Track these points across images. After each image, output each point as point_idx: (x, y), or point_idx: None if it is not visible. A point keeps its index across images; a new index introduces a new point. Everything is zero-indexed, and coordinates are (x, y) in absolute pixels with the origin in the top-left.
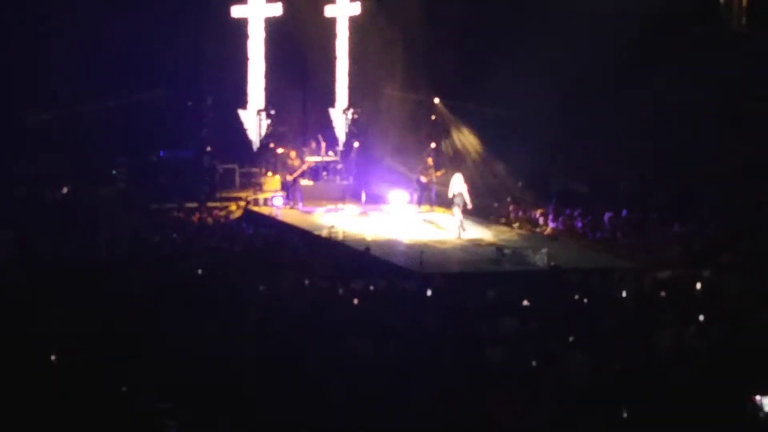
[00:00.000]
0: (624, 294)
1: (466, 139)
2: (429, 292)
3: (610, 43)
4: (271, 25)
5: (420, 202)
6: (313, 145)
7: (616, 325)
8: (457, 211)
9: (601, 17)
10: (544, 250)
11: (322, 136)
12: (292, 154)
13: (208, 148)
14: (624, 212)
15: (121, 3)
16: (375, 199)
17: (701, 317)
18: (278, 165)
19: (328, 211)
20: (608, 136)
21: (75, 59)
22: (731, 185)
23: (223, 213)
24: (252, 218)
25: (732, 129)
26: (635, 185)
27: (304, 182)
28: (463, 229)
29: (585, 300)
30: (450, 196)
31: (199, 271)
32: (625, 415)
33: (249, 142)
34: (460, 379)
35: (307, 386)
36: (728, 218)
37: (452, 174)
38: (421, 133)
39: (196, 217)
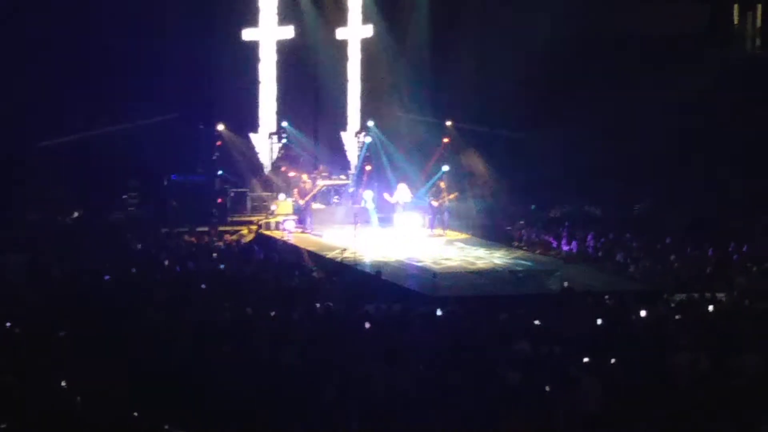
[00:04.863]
0: (638, 317)
1: (477, 161)
2: (442, 316)
3: (624, 64)
4: (283, 47)
5: (432, 226)
6: (322, 168)
7: (630, 348)
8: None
9: (614, 36)
10: (558, 273)
11: (327, 166)
12: (304, 177)
13: (220, 172)
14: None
15: (132, 26)
16: (386, 222)
17: (716, 341)
18: (290, 189)
19: (340, 234)
20: (622, 158)
21: (86, 83)
22: (747, 208)
23: (234, 237)
24: (263, 242)
25: (747, 151)
26: (650, 208)
27: (316, 206)
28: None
29: (599, 323)
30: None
31: (209, 296)
32: None
33: (260, 166)
34: (475, 404)
35: (320, 412)
36: (744, 241)
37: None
38: (433, 156)
39: (206, 241)
